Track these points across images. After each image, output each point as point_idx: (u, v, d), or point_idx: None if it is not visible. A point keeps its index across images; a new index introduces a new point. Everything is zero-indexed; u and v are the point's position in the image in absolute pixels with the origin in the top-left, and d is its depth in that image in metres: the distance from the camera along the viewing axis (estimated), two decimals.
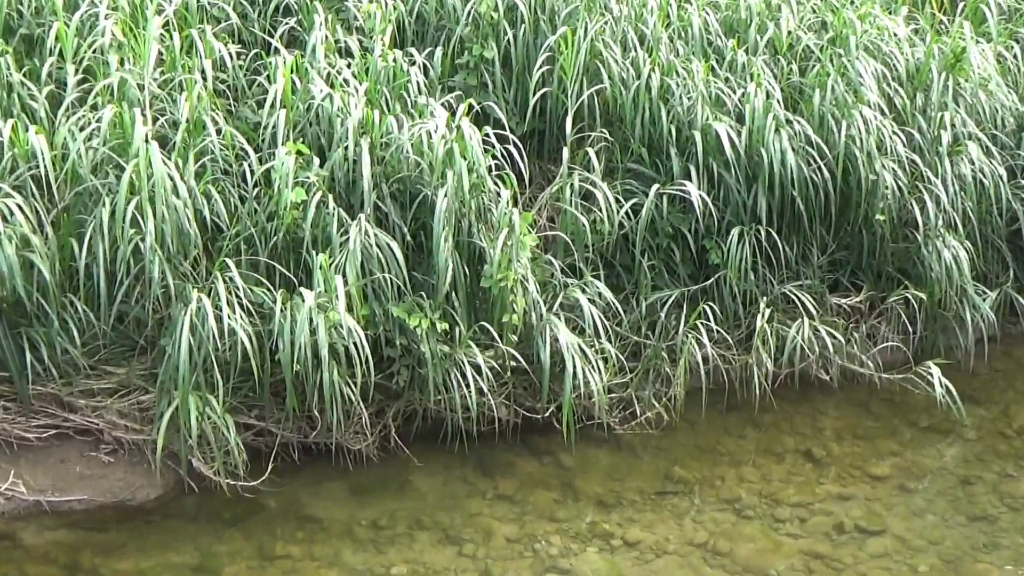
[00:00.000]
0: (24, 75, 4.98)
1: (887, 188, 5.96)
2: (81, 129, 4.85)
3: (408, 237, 5.42)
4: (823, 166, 6.30)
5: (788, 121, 6.31)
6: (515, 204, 5.52)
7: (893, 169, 5.99)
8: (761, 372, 6.18)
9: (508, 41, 6.07)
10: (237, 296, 4.89)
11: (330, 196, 5.21)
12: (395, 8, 5.76)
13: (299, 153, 5.18)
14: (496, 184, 5.45)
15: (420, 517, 5.27)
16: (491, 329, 5.42)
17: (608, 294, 5.82)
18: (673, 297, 6.20)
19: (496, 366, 5.52)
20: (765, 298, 6.35)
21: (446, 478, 5.55)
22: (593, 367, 5.49)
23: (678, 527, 5.29)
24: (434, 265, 5.28)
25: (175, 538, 4.96)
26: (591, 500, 5.46)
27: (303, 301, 4.91)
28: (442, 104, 5.75)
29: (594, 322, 5.58)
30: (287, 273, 5.18)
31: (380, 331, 5.25)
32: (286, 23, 5.57)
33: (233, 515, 5.20)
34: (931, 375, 5.76)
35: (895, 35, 6.28)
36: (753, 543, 5.16)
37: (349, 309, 4.98)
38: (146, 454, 5.03)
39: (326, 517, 5.22)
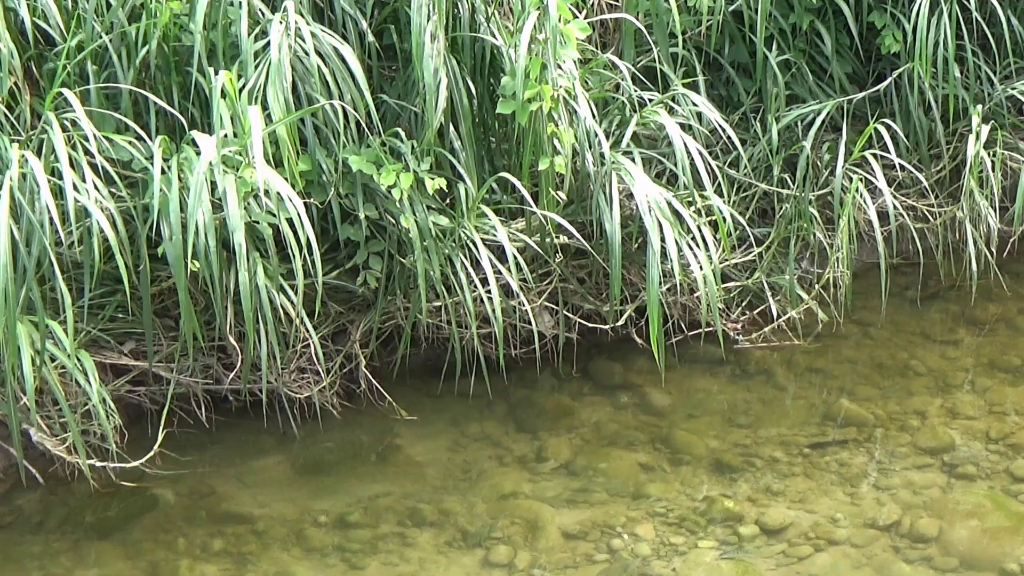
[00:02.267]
0: None
1: None
2: None
3: (370, 36, 5.47)
4: None
5: None
6: None
7: None
8: (979, 233, 6.24)
9: None
10: (87, 152, 4.84)
11: None
12: None
13: None
14: None
15: (417, 506, 5.40)
16: (519, 185, 5.47)
17: (714, 114, 5.87)
18: (825, 113, 6.22)
19: (532, 245, 5.63)
20: (980, 107, 6.33)
21: (456, 439, 5.77)
22: (695, 238, 5.57)
23: (850, 500, 5.39)
24: (416, 81, 5.29)
25: (8, 561, 5.04)
26: (703, 463, 5.63)
27: (197, 154, 4.85)
28: None
29: (692, 162, 5.62)
30: (168, 108, 5.17)
31: (331, 198, 5.32)
32: None
33: (105, 518, 5.31)
34: None
35: None
36: (978, 520, 5.23)
37: (276, 163, 4.99)
38: None
39: (260, 514, 5.35)
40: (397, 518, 5.34)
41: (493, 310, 5.45)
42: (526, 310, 5.64)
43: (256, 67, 5.10)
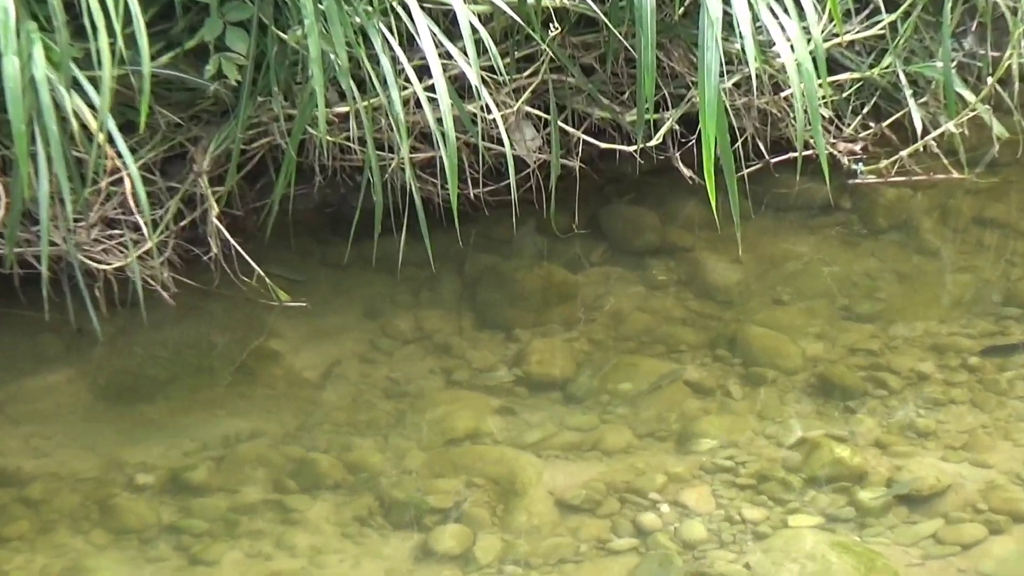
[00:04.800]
0: None
1: None
2: None
3: None
4: None
5: None
6: None
7: None
8: None
9: None
10: None
11: None
12: None
13: None
14: None
15: (306, 456, 5.36)
16: None
17: None
18: None
19: (504, 8, 5.61)
20: None
21: (373, 339, 5.82)
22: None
23: None
24: None
25: None
26: (796, 382, 5.63)
27: None
28: None
29: None
30: None
31: None
32: None
33: None
34: None
35: None
36: None
37: None
38: None
39: (36, 471, 5.29)
40: (272, 477, 5.27)
41: (438, 120, 5.37)
42: (493, 120, 5.56)
43: None
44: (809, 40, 5.53)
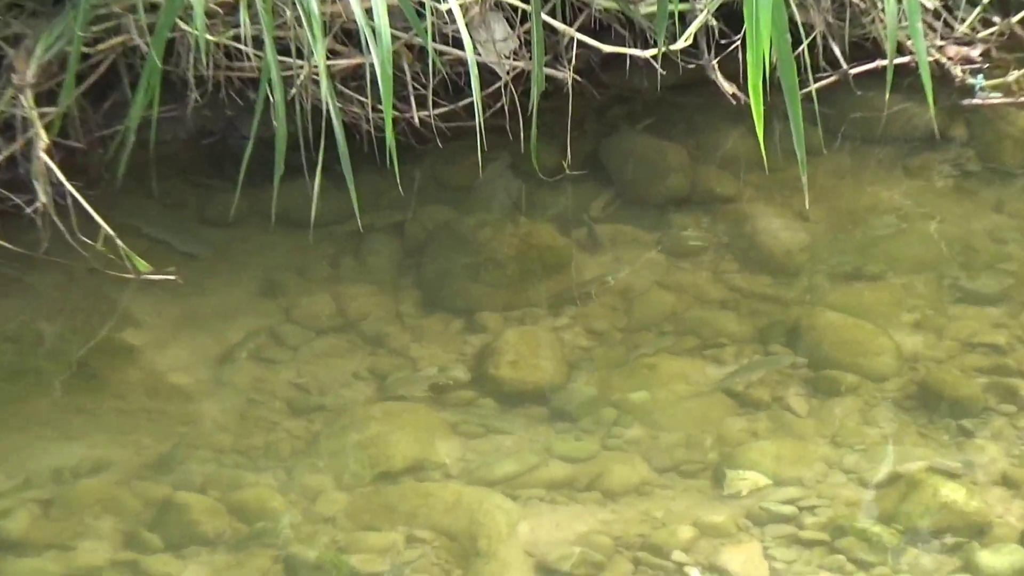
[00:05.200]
0: None
1: None
2: None
3: None
4: None
5: None
6: None
7: None
8: None
9: None
10: None
11: None
12: None
13: None
14: None
15: (172, 498, 5.09)
16: None
17: None
18: None
19: None
20: None
21: (275, 327, 5.62)
22: None
23: None
24: None
25: None
26: (886, 391, 5.38)
27: None
28: None
29: None
30: None
31: None
32: None
33: None
34: None
35: None
36: None
37: None
38: None
39: None
40: (124, 527, 5.06)
41: (367, 11, 5.24)
42: (448, 12, 5.57)
43: None
44: None
